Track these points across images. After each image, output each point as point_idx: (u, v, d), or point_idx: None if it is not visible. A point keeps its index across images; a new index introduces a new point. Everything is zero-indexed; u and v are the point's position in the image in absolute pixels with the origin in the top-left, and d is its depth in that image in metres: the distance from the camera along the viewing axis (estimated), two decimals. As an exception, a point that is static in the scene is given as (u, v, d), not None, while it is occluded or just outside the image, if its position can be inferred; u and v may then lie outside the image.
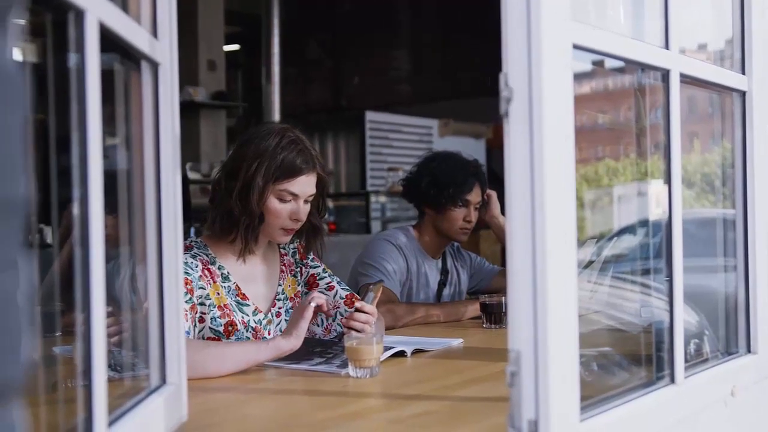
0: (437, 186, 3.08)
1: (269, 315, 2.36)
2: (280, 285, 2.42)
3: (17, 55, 0.56)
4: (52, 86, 1.06)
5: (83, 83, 1.02)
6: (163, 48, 1.41)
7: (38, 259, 0.97)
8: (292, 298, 2.44)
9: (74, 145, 1.02)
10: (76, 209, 1.02)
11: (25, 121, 0.57)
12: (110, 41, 1.14)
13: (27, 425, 0.59)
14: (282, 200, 2.26)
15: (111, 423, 1.12)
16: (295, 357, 2.10)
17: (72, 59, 1.03)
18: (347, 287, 2.50)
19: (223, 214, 2.27)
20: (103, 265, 1.04)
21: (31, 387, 0.59)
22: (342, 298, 2.42)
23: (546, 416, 1.19)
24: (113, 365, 1.35)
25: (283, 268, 2.45)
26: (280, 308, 2.40)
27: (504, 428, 1.22)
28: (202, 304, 2.19)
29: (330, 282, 2.47)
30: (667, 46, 1.56)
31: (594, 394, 1.39)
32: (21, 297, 0.55)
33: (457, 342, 2.45)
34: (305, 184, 2.28)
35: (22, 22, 0.60)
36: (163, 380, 1.41)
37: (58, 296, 1.46)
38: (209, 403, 1.76)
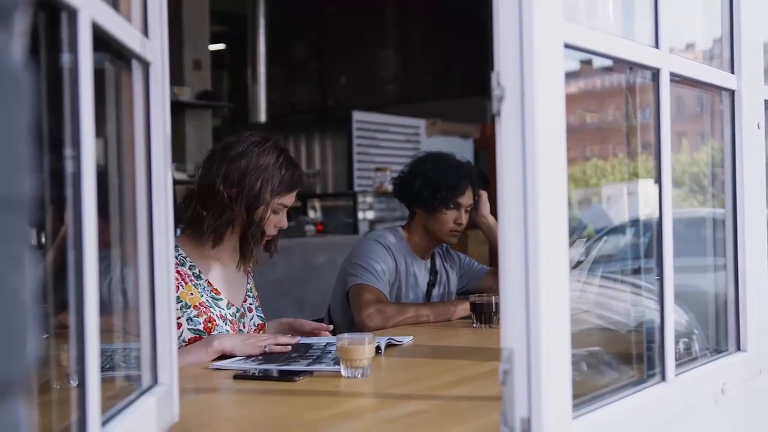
0: (430, 187, 3.08)
1: (242, 309, 2.47)
2: (249, 283, 2.55)
3: (22, 53, 0.57)
4: (43, 85, 1.05)
5: (76, 83, 1.01)
6: (154, 47, 1.40)
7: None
8: (257, 297, 2.58)
9: (66, 146, 1.02)
10: (68, 211, 1.02)
11: (30, 120, 0.57)
12: (101, 40, 1.14)
13: (31, 422, 0.59)
14: (275, 213, 2.40)
15: (103, 423, 1.11)
16: (284, 360, 2.10)
17: (64, 58, 1.02)
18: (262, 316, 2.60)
19: (225, 223, 2.35)
20: (96, 266, 1.04)
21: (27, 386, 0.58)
22: (254, 325, 2.54)
23: (539, 414, 1.19)
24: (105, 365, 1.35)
25: (249, 269, 2.57)
26: (250, 304, 2.52)
27: (496, 427, 1.22)
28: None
29: (257, 304, 2.60)
30: (657, 45, 1.57)
31: (586, 393, 1.39)
32: (26, 295, 0.55)
33: (407, 339, 2.46)
34: (294, 197, 2.46)
35: (27, 22, 0.60)
36: (155, 380, 1.41)
37: (47, 297, 1.45)
38: (200, 404, 1.76)
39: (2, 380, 0.53)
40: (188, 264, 2.36)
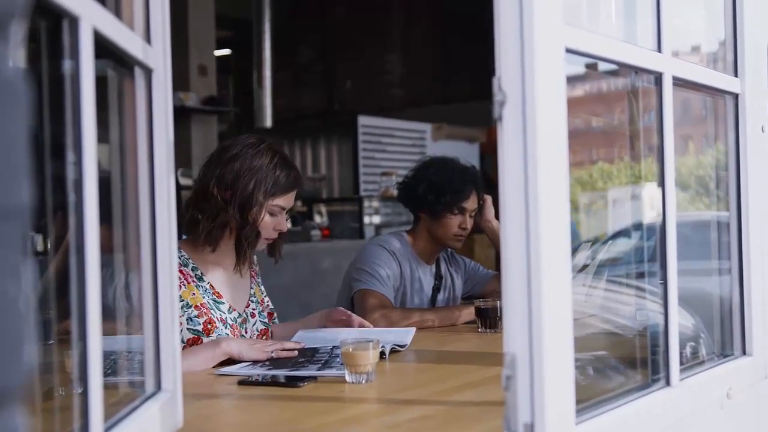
0: (434, 192, 3.07)
1: (244, 314, 2.46)
2: (252, 288, 2.54)
3: (19, 62, 0.57)
4: (45, 92, 1.06)
5: (78, 90, 1.01)
6: (156, 54, 1.40)
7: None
8: (261, 302, 2.56)
9: (68, 152, 1.02)
10: (71, 217, 1.02)
11: (27, 129, 0.57)
12: (103, 47, 1.14)
13: (30, 429, 0.59)
14: (272, 214, 2.39)
15: (106, 430, 1.11)
16: (291, 365, 2.10)
17: (66, 66, 1.03)
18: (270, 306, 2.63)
19: (220, 225, 2.35)
20: (98, 272, 1.04)
21: (27, 394, 0.59)
22: (257, 331, 2.53)
23: (542, 419, 1.19)
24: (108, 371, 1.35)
25: (253, 274, 2.57)
26: (253, 309, 2.51)
27: (500, 432, 1.22)
28: None
29: (260, 309, 2.59)
30: (659, 49, 1.56)
31: (589, 398, 1.39)
32: (23, 303, 0.55)
33: (410, 333, 2.49)
34: (292, 199, 2.44)
35: (24, 30, 0.60)
36: (159, 387, 1.41)
37: (52, 304, 1.45)
38: (204, 410, 1.76)
39: (0, 388, 0.53)
40: (191, 265, 2.37)
